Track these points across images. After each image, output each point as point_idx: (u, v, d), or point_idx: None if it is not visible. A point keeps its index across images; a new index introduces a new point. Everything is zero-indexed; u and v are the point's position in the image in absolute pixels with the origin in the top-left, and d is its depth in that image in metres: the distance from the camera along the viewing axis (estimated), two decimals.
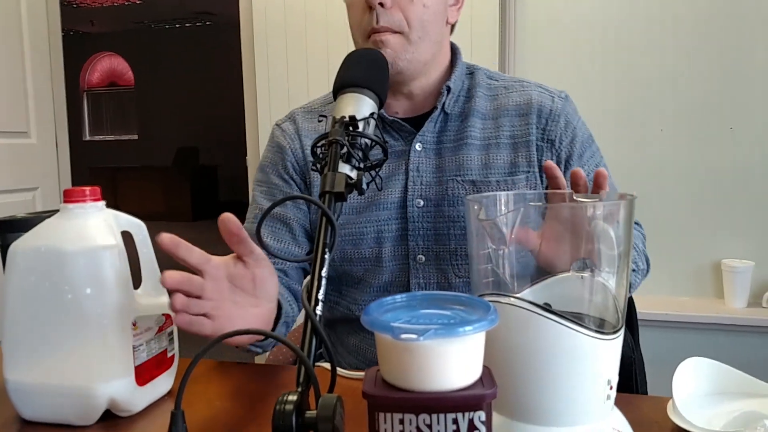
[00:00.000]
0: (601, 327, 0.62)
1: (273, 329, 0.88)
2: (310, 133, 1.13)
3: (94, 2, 8.77)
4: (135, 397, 0.77)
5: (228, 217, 0.75)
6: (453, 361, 0.49)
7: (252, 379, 0.91)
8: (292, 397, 0.49)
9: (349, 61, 0.88)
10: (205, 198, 9.62)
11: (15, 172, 2.86)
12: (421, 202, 1.06)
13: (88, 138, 11.32)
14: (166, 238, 0.70)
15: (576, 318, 0.61)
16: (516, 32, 2.49)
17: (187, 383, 0.50)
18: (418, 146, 1.07)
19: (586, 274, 0.64)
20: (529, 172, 1.05)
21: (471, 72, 1.13)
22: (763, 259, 2.32)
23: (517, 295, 0.63)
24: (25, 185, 2.92)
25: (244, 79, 2.82)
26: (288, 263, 1.09)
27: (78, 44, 10.26)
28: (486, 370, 0.52)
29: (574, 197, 0.73)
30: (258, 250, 0.80)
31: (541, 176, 1.06)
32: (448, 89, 1.08)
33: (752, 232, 2.35)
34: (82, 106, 11.18)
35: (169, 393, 0.84)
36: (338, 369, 0.74)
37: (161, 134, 10.64)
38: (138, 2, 8.79)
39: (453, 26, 1.13)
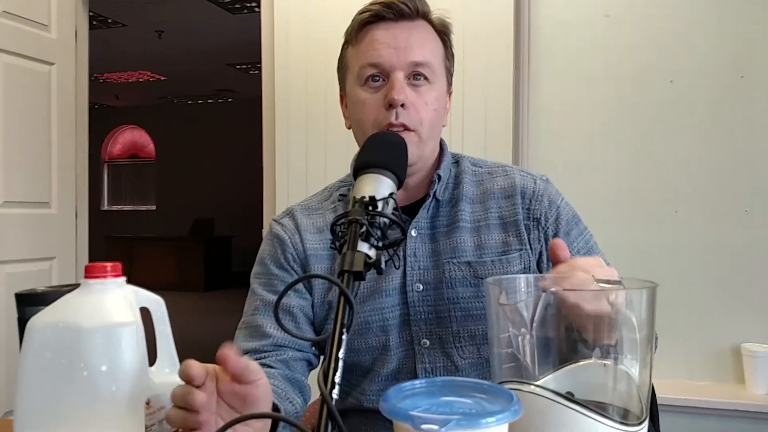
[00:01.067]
0: (625, 417, 0.61)
1: None
2: (309, 228, 1.15)
3: (120, 78, 9.09)
4: None
5: (228, 356, 0.72)
6: None
7: None
8: None
9: (370, 142, 0.90)
10: (219, 268, 9.64)
11: (34, 242, 2.90)
12: (421, 287, 1.07)
13: (106, 207, 11.49)
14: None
15: (599, 407, 0.60)
16: (530, 116, 2.54)
17: None
18: (413, 232, 1.10)
19: (609, 362, 0.63)
20: (521, 250, 1.08)
21: (456, 161, 1.18)
22: None
23: (539, 383, 0.62)
24: (43, 255, 2.96)
25: (264, 156, 2.89)
26: (290, 354, 1.06)
27: (102, 117, 10.57)
28: None
29: (596, 283, 0.72)
30: (253, 370, 0.74)
31: (538, 254, 1.08)
32: (439, 177, 1.12)
33: None
34: (103, 176, 11.42)
35: None
36: None
37: (179, 205, 10.80)
38: (162, 78, 9.10)
39: None
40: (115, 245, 9.67)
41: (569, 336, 0.66)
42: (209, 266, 9.57)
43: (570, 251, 1.05)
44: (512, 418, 0.48)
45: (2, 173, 2.77)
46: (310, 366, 1.11)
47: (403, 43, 1.05)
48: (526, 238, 1.08)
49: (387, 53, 1.05)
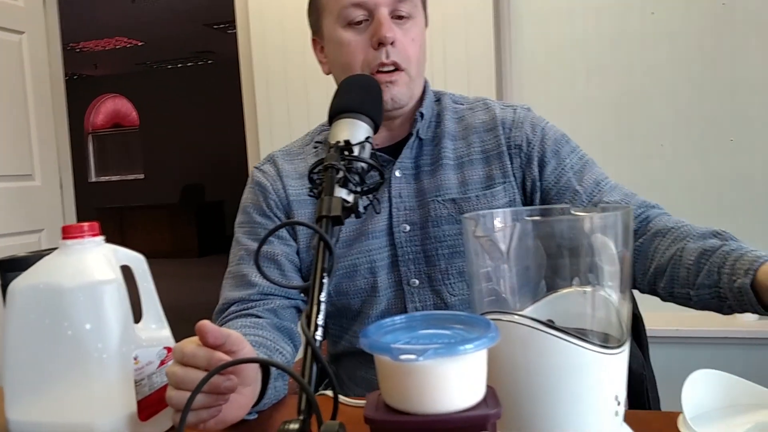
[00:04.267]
0: (605, 342, 0.61)
1: (263, 391, 0.84)
2: (291, 174, 1.14)
3: (96, 46, 8.91)
4: None
5: (205, 327, 0.71)
6: (455, 381, 0.48)
7: None
8: (294, 426, 0.48)
9: (344, 87, 0.88)
10: (212, 233, 9.64)
11: (20, 215, 2.88)
12: (407, 227, 1.07)
13: (94, 179, 11.40)
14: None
15: (579, 333, 0.61)
16: (512, 56, 2.51)
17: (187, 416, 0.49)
18: (397, 173, 1.09)
19: (588, 289, 0.64)
20: (505, 182, 1.07)
21: (438, 98, 1.16)
22: None
23: (519, 313, 0.62)
24: (31, 227, 2.94)
25: (245, 117, 2.85)
26: (278, 302, 1.06)
27: (82, 87, 10.40)
28: (490, 390, 0.51)
29: (571, 211, 0.72)
30: (234, 340, 0.74)
31: (518, 185, 1.08)
32: (422, 115, 1.10)
33: (758, 243, 2.32)
34: (88, 147, 11.29)
35: (173, 427, 0.83)
36: (340, 396, 0.73)
37: (167, 172, 10.71)
38: (140, 44, 8.93)
39: None
40: (105, 216, 9.61)
41: (548, 264, 0.67)
42: (202, 232, 9.56)
43: (563, 169, 1.06)
44: (490, 343, 0.49)
45: None
46: (299, 312, 1.11)
47: None
48: (510, 169, 1.07)
49: None
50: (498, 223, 0.63)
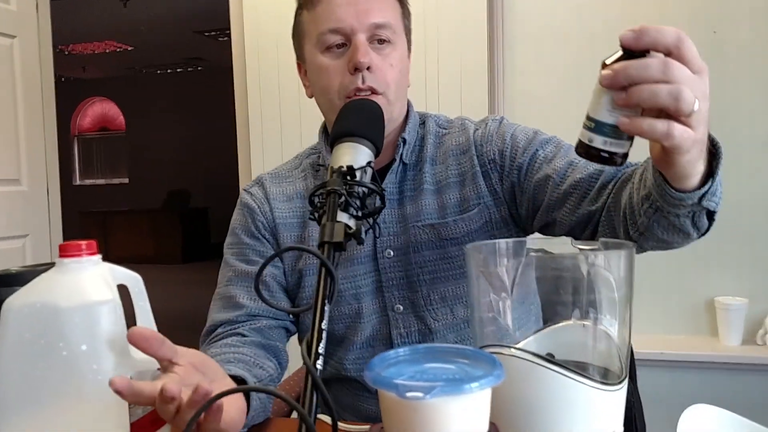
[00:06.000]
0: (605, 377, 0.62)
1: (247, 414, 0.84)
2: (278, 197, 1.14)
3: (86, 49, 8.86)
4: None
5: (136, 332, 0.70)
6: (460, 418, 0.48)
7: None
8: None
9: (346, 111, 0.89)
10: (196, 240, 9.58)
11: (6, 220, 2.85)
12: (391, 252, 1.07)
13: (78, 182, 11.30)
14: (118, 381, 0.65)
15: (580, 367, 0.61)
16: (505, 73, 2.53)
17: None
18: None
19: (589, 323, 0.64)
20: (479, 203, 1.06)
21: (423, 122, 1.16)
22: (757, 296, 2.32)
23: (520, 346, 0.62)
24: (16, 233, 2.91)
25: (237, 126, 2.84)
26: (265, 323, 1.06)
27: (69, 90, 10.33)
28: (492, 427, 0.51)
29: (574, 244, 0.73)
30: (169, 346, 0.72)
31: (500, 201, 1.06)
32: (404, 141, 1.10)
33: (744, 269, 2.35)
34: (73, 150, 11.20)
35: None
36: (339, 423, 0.73)
37: (152, 177, 10.65)
38: (129, 48, 8.89)
39: None
40: (89, 220, 9.54)
41: (549, 298, 0.67)
42: (186, 238, 9.49)
43: (537, 162, 1.02)
44: (495, 382, 0.49)
45: None
46: (288, 333, 1.12)
47: (363, 6, 1.02)
48: (484, 188, 1.06)
49: (347, 17, 1.01)
50: (502, 257, 0.64)
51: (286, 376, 1.24)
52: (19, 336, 0.72)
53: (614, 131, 0.66)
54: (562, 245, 0.80)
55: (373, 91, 1.02)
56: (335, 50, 1.03)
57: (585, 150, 0.68)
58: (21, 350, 0.72)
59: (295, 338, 1.14)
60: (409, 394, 0.47)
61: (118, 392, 0.65)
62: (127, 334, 0.69)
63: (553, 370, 0.58)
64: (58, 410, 0.72)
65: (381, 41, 1.04)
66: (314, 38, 1.05)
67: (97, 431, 0.72)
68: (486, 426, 0.50)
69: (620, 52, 0.65)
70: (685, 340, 2.36)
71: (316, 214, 0.74)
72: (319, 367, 0.59)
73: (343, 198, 0.72)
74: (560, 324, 0.64)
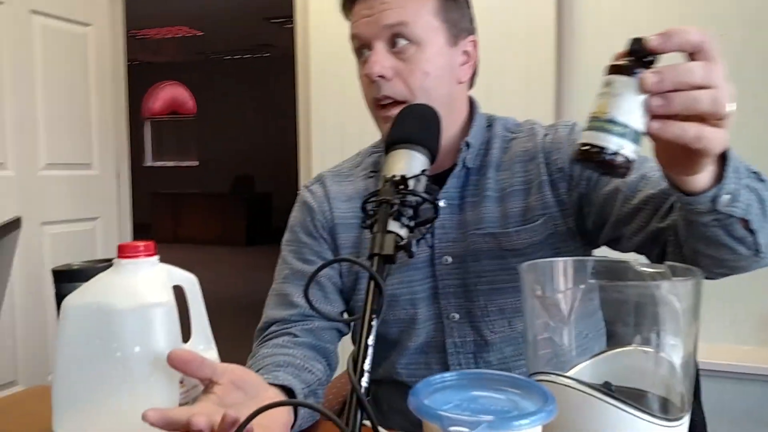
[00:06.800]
0: (664, 408, 0.58)
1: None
2: (338, 196, 1.13)
3: (157, 34, 9.11)
4: None
5: (175, 355, 0.71)
6: None
7: None
8: None
9: (402, 116, 0.87)
10: (259, 224, 9.78)
11: (77, 203, 2.97)
12: (449, 259, 1.04)
13: (149, 164, 11.68)
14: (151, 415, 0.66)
15: (638, 395, 0.58)
16: (574, 71, 2.45)
17: None
18: (442, 203, 1.05)
19: (650, 349, 0.61)
20: (544, 215, 1.01)
21: (490, 124, 1.11)
22: None
23: (576, 370, 0.60)
24: (87, 215, 3.02)
25: (299, 115, 2.86)
26: (318, 324, 1.05)
27: (141, 73, 10.64)
28: None
29: (638, 267, 0.69)
30: (208, 364, 0.73)
31: (568, 212, 1.01)
32: (468, 145, 1.06)
33: None
34: (144, 133, 11.57)
35: None
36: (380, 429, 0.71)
37: (220, 162, 10.90)
38: (200, 34, 9.08)
39: (473, 79, 1.10)
40: (159, 201, 9.85)
41: (610, 322, 0.64)
42: (250, 222, 9.71)
43: None
44: (547, 419, 0.47)
45: (44, 136, 2.81)
46: (341, 334, 1.11)
47: (376, 9, 0.98)
48: (551, 198, 1.01)
49: (364, 23, 0.99)
50: (560, 283, 0.61)
51: (338, 372, 1.24)
52: (76, 335, 0.74)
53: (637, 137, 0.61)
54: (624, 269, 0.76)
55: (395, 101, 0.99)
56: (363, 59, 1.02)
57: (599, 158, 0.62)
58: (78, 349, 0.74)
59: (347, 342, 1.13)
60: (452, 429, 0.45)
61: (152, 425, 0.66)
62: (167, 357, 0.70)
63: (609, 403, 0.55)
64: (111, 409, 0.73)
65: (400, 41, 0.98)
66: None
67: (149, 431, 0.73)
68: None
69: (620, 61, 0.62)
70: (754, 352, 2.24)
71: (369, 221, 0.73)
72: (364, 384, 0.58)
73: (395, 208, 0.71)
74: (620, 349, 0.61)
